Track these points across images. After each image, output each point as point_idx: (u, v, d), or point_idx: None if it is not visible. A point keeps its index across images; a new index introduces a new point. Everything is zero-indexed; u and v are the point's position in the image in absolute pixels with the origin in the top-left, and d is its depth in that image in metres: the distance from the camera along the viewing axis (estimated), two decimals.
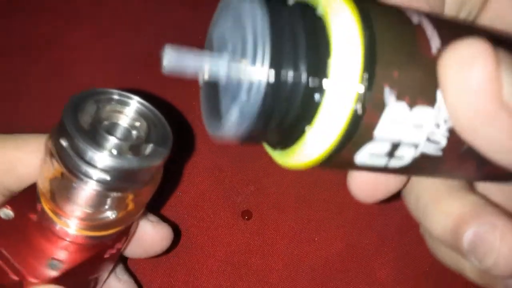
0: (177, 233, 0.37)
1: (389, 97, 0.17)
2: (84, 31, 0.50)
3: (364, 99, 0.17)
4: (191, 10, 0.52)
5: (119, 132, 0.23)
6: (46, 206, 0.23)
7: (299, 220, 0.39)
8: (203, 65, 0.17)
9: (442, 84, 0.17)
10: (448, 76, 0.16)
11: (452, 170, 0.21)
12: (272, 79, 0.16)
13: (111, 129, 0.23)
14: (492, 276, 0.23)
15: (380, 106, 0.17)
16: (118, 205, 0.22)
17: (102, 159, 0.20)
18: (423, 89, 0.18)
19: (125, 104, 0.23)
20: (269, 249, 0.37)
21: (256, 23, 0.16)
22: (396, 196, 0.40)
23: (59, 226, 0.23)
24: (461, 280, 0.37)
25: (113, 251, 0.24)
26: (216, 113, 0.18)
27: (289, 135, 0.18)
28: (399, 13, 0.19)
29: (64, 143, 0.20)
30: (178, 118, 0.43)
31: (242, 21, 0.16)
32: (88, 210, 0.22)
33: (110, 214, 0.22)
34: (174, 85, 0.46)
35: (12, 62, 0.47)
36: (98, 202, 0.22)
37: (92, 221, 0.22)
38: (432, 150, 0.19)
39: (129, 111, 0.23)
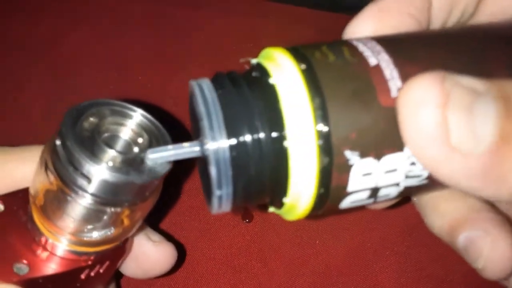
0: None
1: (352, 157, 0.18)
2: (85, 31, 0.49)
3: (327, 167, 0.17)
4: (191, 10, 0.52)
5: (119, 144, 0.23)
6: (34, 212, 0.22)
7: (300, 223, 0.39)
8: (182, 155, 0.20)
9: (400, 130, 0.17)
10: (401, 123, 0.17)
11: (443, 187, 0.20)
12: (228, 152, 0.17)
13: (111, 141, 0.22)
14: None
15: (345, 168, 0.18)
16: (111, 221, 0.22)
17: (99, 171, 0.19)
18: (387, 139, 0.18)
19: (127, 116, 0.22)
20: (270, 252, 0.37)
21: (207, 105, 0.18)
22: (399, 200, 0.40)
23: (41, 233, 0.22)
24: (463, 283, 0.37)
25: (92, 273, 0.23)
26: (209, 189, 0.19)
27: (273, 203, 0.20)
28: (354, 60, 0.18)
29: (60, 152, 0.20)
30: (177, 124, 0.43)
31: (198, 106, 0.18)
32: (79, 224, 0.21)
33: (102, 231, 0.22)
34: (175, 85, 0.46)
35: (12, 62, 0.47)
36: (91, 217, 0.21)
37: (80, 236, 0.22)
38: (415, 182, 0.19)
39: (131, 124, 0.22)
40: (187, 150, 0.19)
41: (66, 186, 0.20)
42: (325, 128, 0.17)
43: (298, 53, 0.18)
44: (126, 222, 0.22)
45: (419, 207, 0.26)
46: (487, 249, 0.22)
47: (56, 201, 0.21)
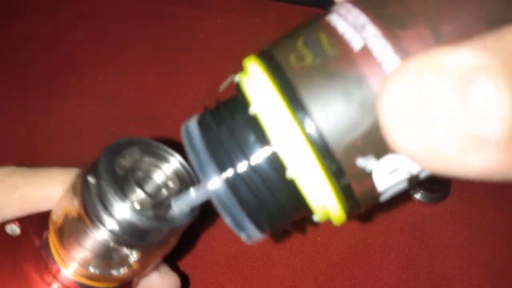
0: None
1: (368, 163, 0.16)
2: (85, 30, 0.50)
3: (341, 183, 0.16)
4: (192, 8, 0.52)
5: (151, 186, 0.23)
6: (50, 238, 0.22)
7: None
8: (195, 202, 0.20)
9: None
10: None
11: None
12: (225, 187, 0.17)
13: (143, 182, 0.22)
14: None
15: (364, 175, 0.16)
16: (123, 260, 0.22)
17: (122, 210, 0.20)
18: None
19: (164, 159, 0.23)
20: (271, 249, 0.37)
21: (197, 155, 0.17)
22: (400, 198, 0.40)
23: (55, 260, 0.22)
24: (464, 281, 0.37)
25: None
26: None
27: (307, 218, 0.19)
28: (335, 52, 0.15)
29: (91, 182, 0.20)
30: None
31: (188, 150, 0.18)
32: (92, 258, 0.21)
33: (114, 269, 0.22)
34: (175, 83, 0.46)
35: (13, 60, 0.47)
36: (104, 252, 0.21)
37: (91, 270, 0.22)
38: None
39: (167, 168, 0.23)
40: (201, 193, 0.20)
41: (87, 217, 0.20)
42: (322, 145, 0.15)
43: (272, 63, 0.17)
44: (135, 266, 0.22)
45: None
46: None
47: (75, 230, 0.21)
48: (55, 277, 0.22)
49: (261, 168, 0.17)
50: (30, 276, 0.22)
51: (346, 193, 0.17)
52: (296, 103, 0.15)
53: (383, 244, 0.38)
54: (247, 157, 0.17)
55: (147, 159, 0.22)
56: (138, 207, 0.20)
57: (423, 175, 0.17)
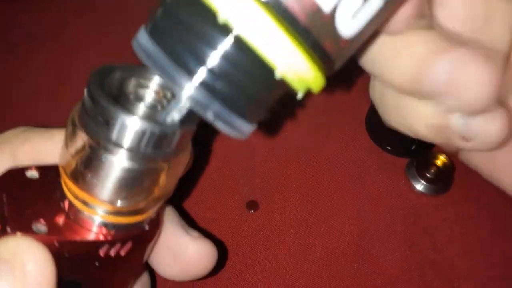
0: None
1: None
2: (89, 19, 0.49)
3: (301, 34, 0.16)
4: None
5: (146, 103, 0.22)
6: (62, 176, 0.22)
7: (305, 211, 0.39)
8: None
9: None
10: None
11: None
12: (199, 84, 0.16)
13: (137, 101, 0.22)
14: (449, 128, 0.21)
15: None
16: (139, 185, 0.20)
17: (133, 122, 0.18)
18: None
19: (150, 78, 0.22)
20: (276, 240, 0.38)
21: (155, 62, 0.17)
22: (402, 189, 0.40)
23: (64, 195, 0.21)
24: (467, 270, 0.37)
25: (111, 252, 0.22)
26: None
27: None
28: None
29: (90, 109, 0.19)
30: None
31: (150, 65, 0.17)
32: (105, 187, 0.20)
33: (125, 197, 0.21)
34: None
35: (16, 51, 0.47)
36: (119, 178, 0.20)
37: (101, 200, 0.21)
38: None
39: (154, 85, 0.22)
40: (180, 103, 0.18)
41: (94, 141, 0.19)
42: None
43: None
44: (161, 185, 0.21)
45: (375, 66, 0.21)
46: (477, 74, 0.18)
47: (84, 162, 0.20)
48: (65, 213, 0.21)
49: (229, 55, 0.16)
50: (40, 210, 0.21)
51: (308, 44, 0.16)
52: None
53: (385, 234, 0.38)
54: (211, 48, 0.16)
55: (133, 81, 0.22)
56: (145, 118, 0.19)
57: None
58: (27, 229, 0.20)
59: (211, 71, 0.16)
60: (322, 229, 0.38)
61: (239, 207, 0.39)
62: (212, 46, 0.16)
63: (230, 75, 0.16)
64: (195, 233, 0.26)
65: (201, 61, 0.16)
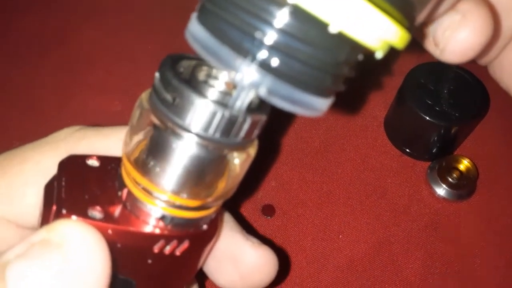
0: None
1: None
2: (96, 25, 0.49)
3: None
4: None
5: (217, 90, 0.21)
6: (123, 163, 0.21)
7: (322, 217, 0.38)
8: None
9: None
10: None
11: None
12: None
13: (208, 87, 0.20)
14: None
15: None
16: (208, 174, 0.19)
17: (205, 104, 0.17)
18: None
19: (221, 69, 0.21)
20: (292, 247, 0.36)
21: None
22: (423, 195, 0.39)
23: (123, 184, 0.20)
24: (492, 280, 0.36)
25: (166, 250, 0.21)
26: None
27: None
28: None
29: (161, 92, 0.18)
30: None
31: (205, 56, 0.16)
32: (174, 175, 0.19)
33: (188, 189, 0.19)
34: None
35: (24, 56, 0.46)
36: (189, 165, 0.19)
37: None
38: None
39: (225, 75, 0.21)
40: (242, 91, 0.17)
41: (162, 123, 0.18)
42: None
43: None
44: (219, 181, 0.20)
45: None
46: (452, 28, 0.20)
47: (149, 147, 0.19)
48: (123, 203, 0.20)
49: (288, 26, 0.15)
50: (98, 197, 0.20)
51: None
52: None
53: (406, 242, 0.37)
54: (272, 27, 0.15)
55: (205, 70, 0.20)
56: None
57: None
58: (82, 214, 0.19)
59: (269, 49, 0.15)
60: (340, 236, 0.37)
61: (254, 212, 0.38)
62: (268, 20, 0.15)
63: (291, 49, 0.15)
64: (255, 240, 0.25)
65: (258, 41, 0.15)
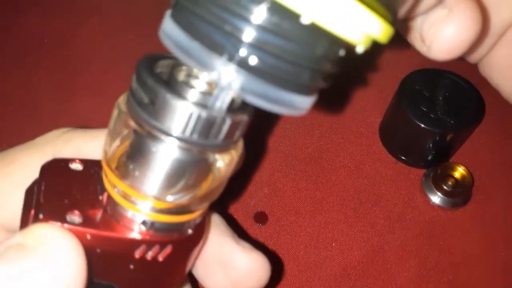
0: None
1: None
2: (95, 26, 0.48)
3: None
4: None
5: (197, 91, 0.20)
6: (103, 167, 0.20)
7: (316, 224, 0.37)
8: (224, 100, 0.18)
9: None
10: None
11: None
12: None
13: (187, 88, 0.20)
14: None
15: None
16: (187, 179, 0.19)
17: (181, 104, 0.17)
18: None
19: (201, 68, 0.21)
20: (285, 255, 0.36)
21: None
22: (418, 202, 0.39)
23: (103, 188, 0.20)
24: None
25: (148, 256, 0.20)
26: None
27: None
28: None
29: (138, 94, 0.18)
30: None
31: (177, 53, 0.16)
32: (153, 179, 0.19)
33: (192, 189, 0.19)
34: None
35: (22, 58, 0.46)
36: (168, 167, 0.18)
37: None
38: None
39: (205, 75, 0.21)
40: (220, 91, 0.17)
41: (139, 126, 0.18)
42: None
43: None
44: (202, 184, 0.19)
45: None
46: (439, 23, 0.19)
47: (127, 150, 0.19)
48: (103, 207, 0.20)
49: (271, 25, 0.14)
50: (77, 201, 0.20)
51: None
52: None
53: (400, 251, 0.37)
54: (247, 21, 0.14)
55: (184, 70, 0.20)
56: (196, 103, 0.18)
57: None
58: (60, 219, 0.19)
59: (246, 46, 0.15)
60: (333, 244, 0.37)
61: (247, 219, 0.37)
62: (242, 14, 0.14)
63: (268, 45, 0.15)
64: (246, 244, 0.24)
65: (234, 37, 0.15)
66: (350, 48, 0.16)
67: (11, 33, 0.47)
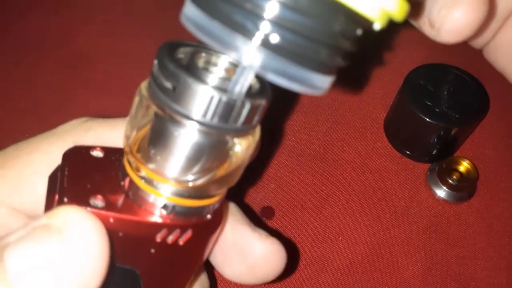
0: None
1: None
2: (98, 24, 0.49)
3: None
4: None
5: (216, 76, 0.21)
6: (125, 153, 0.21)
7: (322, 219, 0.38)
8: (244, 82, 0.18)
9: None
10: None
11: None
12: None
13: (207, 73, 0.20)
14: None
15: None
16: (207, 161, 0.19)
17: (202, 89, 0.17)
18: None
19: (219, 55, 0.21)
20: (292, 250, 0.36)
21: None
22: (423, 196, 0.39)
23: (126, 173, 0.20)
24: (492, 283, 0.35)
25: (169, 240, 0.20)
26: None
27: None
28: None
29: (159, 79, 0.18)
30: None
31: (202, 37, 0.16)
32: (174, 162, 0.19)
33: (189, 174, 0.19)
34: None
35: (25, 57, 0.46)
36: (188, 151, 0.19)
37: (163, 175, 0.20)
38: None
39: (224, 61, 0.20)
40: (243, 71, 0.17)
41: (160, 110, 0.18)
42: None
43: None
44: (221, 169, 0.20)
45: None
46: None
47: (148, 134, 0.19)
48: (125, 192, 0.20)
49: (291, 2, 0.15)
50: (100, 186, 0.20)
51: None
52: None
53: (406, 244, 0.37)
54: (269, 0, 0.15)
55: (204, 56, 0.20)
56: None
57: None
58: (84, 202, 0.19)
59: (267, 24, 0.15)
60: (340, 238, 0.37)
61: (253, 213, 0.37)
62: None
63: (288, 22, 0.15)
64: (262, 232, 0.25)
65: (256, 17, 0.15)
66: (367, 26, 0.16)
67: (12, 32, 0.48)
